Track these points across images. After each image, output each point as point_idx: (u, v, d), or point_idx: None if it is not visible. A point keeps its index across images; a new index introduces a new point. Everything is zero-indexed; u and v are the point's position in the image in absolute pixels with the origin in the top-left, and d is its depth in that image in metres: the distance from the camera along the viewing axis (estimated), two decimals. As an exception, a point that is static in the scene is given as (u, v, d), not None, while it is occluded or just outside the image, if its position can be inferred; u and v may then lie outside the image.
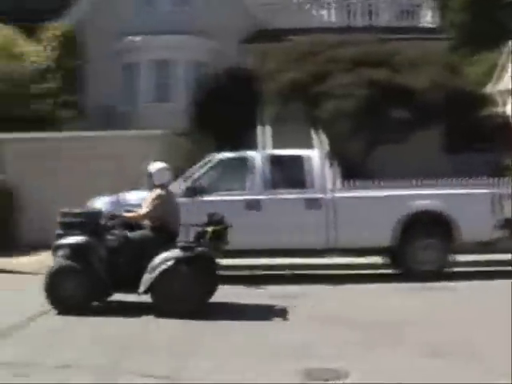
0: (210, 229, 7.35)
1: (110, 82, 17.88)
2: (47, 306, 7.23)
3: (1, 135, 13.63)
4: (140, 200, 8.37)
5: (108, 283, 7.43)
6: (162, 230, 7.63)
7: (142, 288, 7.26)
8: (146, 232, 7.70)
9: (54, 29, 17.72)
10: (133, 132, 14.41)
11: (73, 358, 5.31)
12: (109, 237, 7.56)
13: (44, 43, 17.44)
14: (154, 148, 13.40)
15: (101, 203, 9.74)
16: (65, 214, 7.73)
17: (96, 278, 7.37)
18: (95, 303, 7.43)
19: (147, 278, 7.24)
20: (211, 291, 7.59)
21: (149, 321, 6.94)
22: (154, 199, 7.75)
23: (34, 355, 5.46)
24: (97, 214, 7.91)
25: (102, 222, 7.68)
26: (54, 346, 5.85)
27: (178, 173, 9.77)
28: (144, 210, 7.76)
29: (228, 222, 7.55)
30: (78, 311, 7.24)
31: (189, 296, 7.21)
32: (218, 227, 7.40)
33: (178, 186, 9.56)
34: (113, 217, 7.81)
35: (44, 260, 11.54)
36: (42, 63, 16.95)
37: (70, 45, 17.59)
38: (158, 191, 7.84)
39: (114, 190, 10.32)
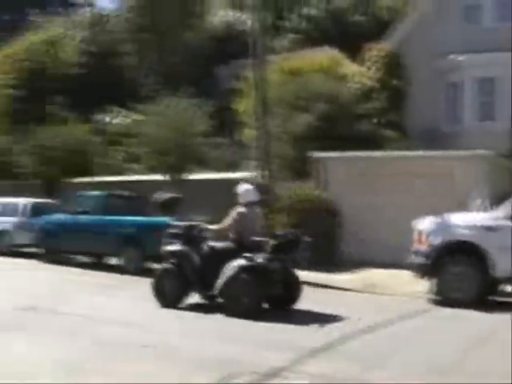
0: (271, 242, 9.49)
1: (432, 101, 19.10)
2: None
3: (325, 154, 15.62)
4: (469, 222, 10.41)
5: (195, 284, 9.82)
6: (239, 241, 9.69)
7: (215, 291, 9.49)
8: (227, 243, 9.84)
9: (378, 50, 19.64)
10: (458, 152, 15.10)
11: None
12: (200, 246, 9.96)
13: (368, 64, 19.50)
14: (479, 169, 14.08)
15: (426, 224, 10.90)
16: (172, 226, 10.38)
17: (187, 280, 9.84)
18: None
19: (219, 282, 9.49)
20: (265, 295, 9.49)
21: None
22: (234, 215, 9.87)
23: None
24: (191, 227, 10.21)
25: (195, 233, 10.09)
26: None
27: (504, 195, 10.45)
28: (223, 224, 9.96)
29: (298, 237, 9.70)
30: (174, 306, 9.75)
31: (246, 298, 9.22)
32: (277, 242, 9.50)
33: (504, 209, 10.35)
34: (204, 229, 10.15)
35: (365, 277, 13.00)
36: (365, 84, 19.02)
37: (393, 65, 19.28)
38: (239, 209, 9.93)
39: (440, 210, 11.17)
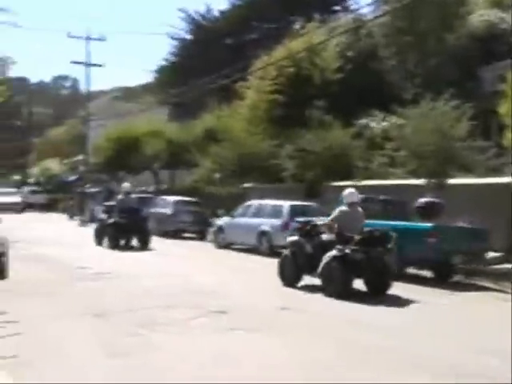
0: (356, 237, 12.70)
1: None
2: None
3: None
4: None
5: (305, 268, 13.48)
6: (340, 235, 12.98)
7: (318, 274, 12.96)
8: (331, 236, 13.21)
9: None
10: None
11: None
12: (314, 238, 13.52)
13: None
14: None
15: None
16: (300, 222, 14.59)
17: (300, 264, 13.64)
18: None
19: (319, 267, 12.80)
20: (351, 280, 12.59)
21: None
22: (337, 213, 13.34)
23: None
24: (310, 222, 14.06)
25: (310, 227, 13.72)
26: None
27: None
28: (328, 220, 13.52)
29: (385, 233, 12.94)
30: (292, 285, 13.60)
31: (336, 282, 12.55)
32: (362, 236, 12.67)
33: None
34: (317, 225, 13.78)
35: None
36: None
37: None
38: (342, 208, 13.40)
39: None
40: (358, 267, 12.63)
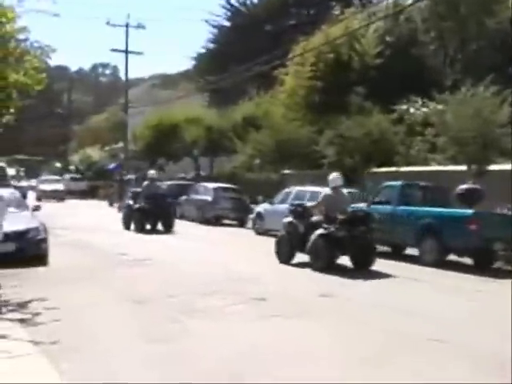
0: (340, 217, 14.17)
1: None
2: None
3: None
4: None
5: (299, 247, 14.81)
6: (327, 216, 14.42)
7: (307, 251, 14.42)
8: (320, 217, 14.62)
9: None
10: None
11: None
12: (306, 219, 14.89)
13: None
14: None
15: None
16: (293, 205, 16.05)
17: (293, 243, 15.05)
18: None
19: (307, 245, 14.34)
20: (334, 256, 14.17)
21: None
22: (322, 196, 15.06)
23: None
24: (302, 205, 15.76)
25: (302, 210, 15.24)
26: None
27: None
28: (314, 203, 15.38)
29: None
30: (287, 262, 14.98)
31: (321, 257, 14.08)
32: (344, 217, 14.17)
33: None
34: (308, 207, 15.37)
35: None
36: None
37: None
38: (326, 191, 15.08)
39: None
40: (342, 244, 14.19)
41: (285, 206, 21.82)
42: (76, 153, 71.07)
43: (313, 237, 14.35)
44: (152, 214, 23.47)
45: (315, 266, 14.16)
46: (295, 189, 22.72)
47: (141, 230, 23.14)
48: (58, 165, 74.40)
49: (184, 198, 30.27)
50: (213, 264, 14.96)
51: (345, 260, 14.57)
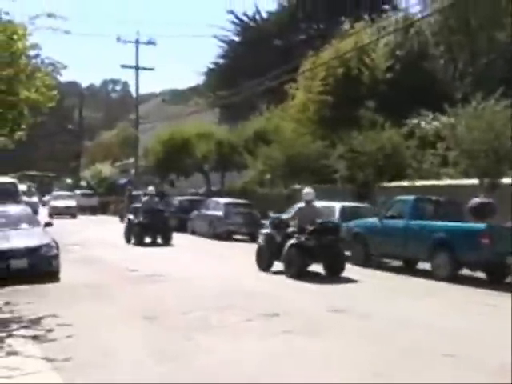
0: (309, 228, 15.55)
1: None
2: None
3: None
4: None
5: (276, 255, 16.13)
6: (299, 227, 15.88)
7: (282, 259, 15.83)
8: (294, 228, 16.03)
9: None
10: None
11: None
12: (282, 230, 16.34)
13: None
14: None
15: None
16: (271, 218, 18.26)
17: (271, 252, 16.42)
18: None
19: (282, 254, 15.79)
20: (305, 264, 15.57)
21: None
22: (295, 209, 16.78)
23: None
24: (279, 218, 17.37)
25: (279, 222, 16.82)
26: None
27: None
28: (289, 215, 16.89)
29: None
30: (266, 270, 16.39)
31: (294, 265, 15.47)
32: (314, 227, 15.52)
33: None
34: (282, 220, 16.91)
35: None
36: None
37: None
38: (300, 204, 16.77)
39: None
40: (312, 253, 15.55)
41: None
42: (87, 168, 71.22)
43: (286, 246, 15.82)
44: (150, 228, 24.75)
45: (288, 273, 15.56)
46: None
47: (139, 243, 24.35)
48: (69, 180, 74.64)
49: (195, 213, 30.27)
50: (224, 279, 14.97)
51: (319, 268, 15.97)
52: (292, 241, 15.78)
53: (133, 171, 48.74)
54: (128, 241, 25.14)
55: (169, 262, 18.72)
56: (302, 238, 15.62)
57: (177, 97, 75.23)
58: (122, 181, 54.67)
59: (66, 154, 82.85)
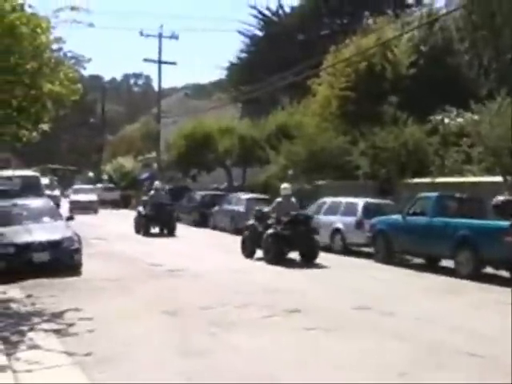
0: (284, 219, 17.70)
1: None
2: None
3: None
4: None
5: (258, 244, 18.20)
6: (278, 219, 17.98)
7: (262, 247, 17.95)
8: (273, 220, 18.08)
9: None
10: None
11: None
12: (264, 221, 18.35)
13: None
14: None
15: None
16: (255, 210, 19.78)
17: (254, 241, 18.48)
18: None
19: (262, 242, 17.94)
20: (281, 251, 17.65)
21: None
22: (274, 203, 18.70)
23: None
24: (261, 211, 19.08)
25: (262, 214, 18.78)
26: None
27: None
28: (269, 208, 18.81)
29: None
30: (249, 257, 18.51)
31: (271, 252, 17.60)
32: (288, 218, 17.64)
33: None
34: (263, 212, 19.04)
35: None
36: None
37: None
38: (278, 199, 18.62)
39: None
40: (287, 241, 17.57)
41: (319, 218, 21.76)
42: (109, 162, 71.45)
43: (265, 235, 17.89)
44: (156, 220, 27.03)
45: (266, 258, 17.71)
46: (329, 200, 22.57)
47: (146, 232, 26.58)
48: (91, 174, 74.99)
49: (217, 208, 30.30)
50: (245, 274, 14.95)
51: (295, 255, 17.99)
52: (270, 231, 17.88)
53: (155, 165, 48.84)
54: (137, 231, 27.20)
55: (188, 256, 18.77)
56: (279, 228, 17.72)
57: (199, 91, 75.39)
58: (144, 175, 54.80)
59: (88, 148, 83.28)
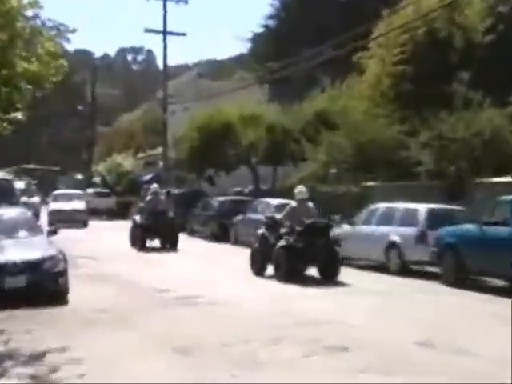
0: (297, 228, 18.40)
1: None
2: None
3: None
4: None
5: (269, 258, 18.82)
6: (290, 227, 18.63)
7: (272, 261, 18.85)
8: (286, 229, 18.75)
9: None
10: None
11: None
12: (276, 230, 19.13)
13: None
14: None
15: None
16: (266, 217, 20.83)
17: (264, 254, 19.21)
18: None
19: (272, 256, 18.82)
20: (293, 266, 18.33)
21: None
22: (287, 209, 19.46)
23: None
24: (272, 218, 20.04)
25: (271, 221, 19.67)
26: None
27: None
28: (281, 215, 19.58)
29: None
30: (260, 274, 19.32)
31: (282, 268, 18.36)
32: (302, 228, 18.27)
33: None
34: (276, 220, 19.62)
35: None
36: None
37: None
38: (292, 204, 19.52)
39: None
40: (302, 255, 18.16)
41: (370, 228, 21.65)
42: (102, 161, 71.97)
43: (276, 248, 18.66)
44: (153, 231, 27.68)
45: (277, 275, 18.56)
46: (382, 206, 22.42)
47: (141, 247, 27.29)
48: (80, 176, 75.47)
49: (239, 217, 30.26)
50: (273, 301, 14.99)
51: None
52: (281, 242, 18.61)
53: (161, 164, 48.99)
54: (133, 244, 28.10)
55: (202, 279, 18.83)
56: (291, 240, 18.39)
57: (215, 70, 75.62)
58: (147, 176, 55.05)
59: (76, 143, 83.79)
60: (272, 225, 19.61)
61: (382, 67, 30.14)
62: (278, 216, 19.84)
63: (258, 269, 19.48)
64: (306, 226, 18.34)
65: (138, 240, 27.59)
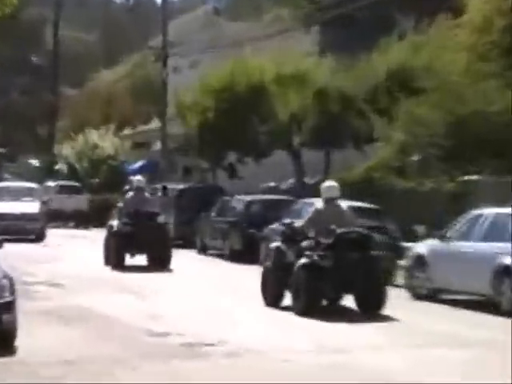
0: (323, 240, 18.91)
1: None
2: None
3: None
4: None
5: (286, 282, 19.44)
6: (315, 239, 19.05)
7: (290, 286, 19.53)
8: (310, 241, 19.24)
9: None
10: None
11: None
12: (297, 243, 19.51)
13: None
14: None
15: None
16: (285, 226, 21.00)
17: (280, 276, 19.71)
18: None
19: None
20: (320, 293, 19.03)
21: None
22: (310, 213, 20.43)
23: None
24: (291, 226, 20.36)
25: (290, 231, 20.23)
26: None
27: None
28: (301, 222, 20.30)
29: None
30: (274, 305, 19.95)
31: (301, 296, 18.77)
32: (331, 240, 18.74)
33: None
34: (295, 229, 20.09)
35: None
36: None
37: None
38: (318, 206, 20.26)
39: None
40: (329, 277, 18.60)
41: (471, 246, 21.52)
42: (70, 140, 72.02)
43: (295, 268, 19.06)
44: (134, 242, 28.21)
45: (295, 306, 19.14)
46: (490, 212, 22.27)
47: (117, 264, 27.91)
48: (36, 162, 75.67)
49: (274, 226, 30.13)
50: (333, 353, 14.92)
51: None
52: (303, 260, 19.00)
53: (157, 146, 49.14)
54: (107, 261, 29.01)
55: (219, 318, 18.86)
56: (315, 256, 18.78)
57: (239, 5, 75.72)
58: (137, 164, 55.25)
59: (29, 112, 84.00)
60: (290, 235, 20.00)
61: (489, 4, 30.07)
62: (299, 223, 20.29)
63: (272, 298, 20.09)
64: (337, 236, 18.79)
65: (114, 255, 27.87)
